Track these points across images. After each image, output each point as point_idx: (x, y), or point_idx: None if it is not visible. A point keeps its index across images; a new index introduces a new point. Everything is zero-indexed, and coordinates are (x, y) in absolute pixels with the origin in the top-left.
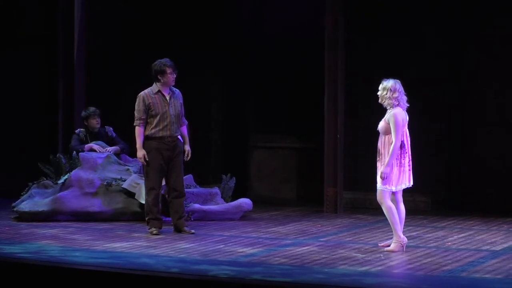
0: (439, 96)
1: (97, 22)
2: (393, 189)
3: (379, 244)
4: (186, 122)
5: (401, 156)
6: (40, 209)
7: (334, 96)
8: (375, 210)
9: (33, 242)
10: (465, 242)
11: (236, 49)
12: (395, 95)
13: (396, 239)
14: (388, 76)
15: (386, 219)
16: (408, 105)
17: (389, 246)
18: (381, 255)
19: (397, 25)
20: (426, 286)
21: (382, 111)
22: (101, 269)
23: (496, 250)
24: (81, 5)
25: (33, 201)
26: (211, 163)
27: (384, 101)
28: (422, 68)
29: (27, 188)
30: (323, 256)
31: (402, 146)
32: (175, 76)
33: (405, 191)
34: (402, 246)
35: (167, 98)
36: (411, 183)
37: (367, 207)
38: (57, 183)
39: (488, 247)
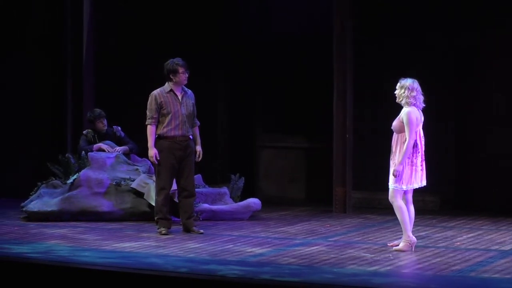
0: (447, 96)
1: (101, 23)
2: (404, 187)
3: (388, 244)
4: (198, 123)
5: (413, 155)
6: (49, 209)
7: (342, 96)
8: (384, 210)
9: (42, 242)
10: (474, 242)
11: (241, 49)
12: (413, 93)
13: (405, 238)
14: (396, 76)
15: (395, 219)
16: (424, 105)
17: (398, 245)
18: (390, 255)
19: (404, 26)
20: (435, 286)
21: (391, 110)
22: (110, 269)
23: (505, 250)
24: (90, 7)
25: (42, 201)
26: (219, 163)
27: (402, 100)
28: (430, 68)
29: (36, 188)
30: (332, 256)
31: (414, 145)
32: (187, 75)
33: (414, 191)
34: (411, 246)
35: (179, 97)
36: (424, 183)
37: (376, 207)
38: (66, 183)
39: (497, 247)
